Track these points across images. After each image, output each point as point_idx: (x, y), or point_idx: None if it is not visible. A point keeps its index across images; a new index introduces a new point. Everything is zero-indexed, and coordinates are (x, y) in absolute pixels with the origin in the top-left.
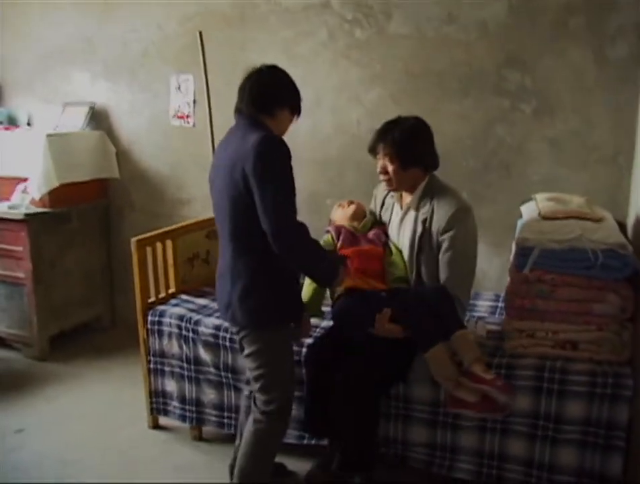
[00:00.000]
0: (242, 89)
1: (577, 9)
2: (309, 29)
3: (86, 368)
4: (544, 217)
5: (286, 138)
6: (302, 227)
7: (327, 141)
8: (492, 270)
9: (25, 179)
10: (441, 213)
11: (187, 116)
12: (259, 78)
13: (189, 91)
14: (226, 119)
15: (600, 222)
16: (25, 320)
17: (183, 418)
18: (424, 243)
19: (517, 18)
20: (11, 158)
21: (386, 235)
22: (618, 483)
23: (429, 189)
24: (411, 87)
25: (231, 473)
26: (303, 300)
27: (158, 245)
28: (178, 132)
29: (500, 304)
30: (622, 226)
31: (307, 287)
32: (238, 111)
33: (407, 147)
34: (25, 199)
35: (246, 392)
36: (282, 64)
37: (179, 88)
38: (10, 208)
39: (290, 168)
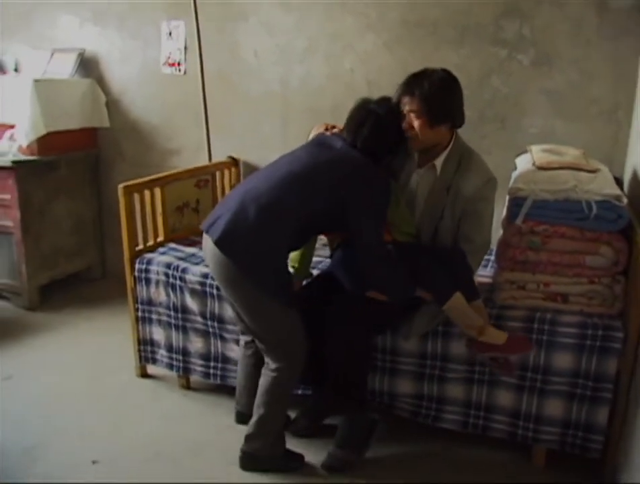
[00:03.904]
0: (358, 125)
1: None
2: None
3: (75, 317)
4: (539, 167)
5: (278, 85)
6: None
7: (320, 90)
8: None
9: (12, 126)
10: (469, 182)
11: (179, 64)
12: (379, 124)
13: (181, 37)
14: (218, 66)
15: (595, 173)
16: (14, 270)
17: (170, 367)
18: (446, 211)
19: None
20: None
21: None
22: (603, 434)
23: (455, 153)
24: (406, 36)
25: (239, 417)
26: (292, 264)
27: (147, 193)
28: (169, 80)
29: (492, 258)
30: (618, 182)
31: (295, 252)
32: (348, 143)
33: (437, 103)
34: (13, 147)
35: (242, 342)
36: (275, 11)
37: (170, 35)
38: None
39: None
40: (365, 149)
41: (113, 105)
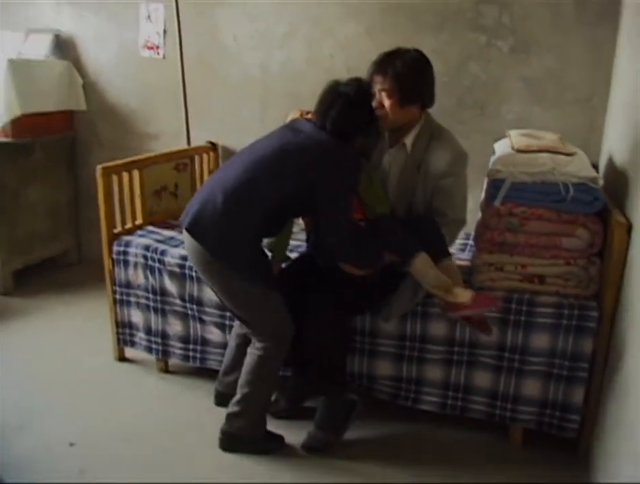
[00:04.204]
0: (327, 108)
1: None
2: None
3: (51, 302)
4: (517, 150)
5: (257, 70)
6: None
7: (299, 75)
8: None
9: None
10: (438, 158)
11: (157, 47)
12: (349, 105)
13: (160, 20)
14: (197, 50)
15: (572, 156)
16: None
17: (149, 349)
18: (418, 188)
19: None
20: None
21: None
22: (579, 414)
23: (425, 131)
24: (386, 22)
25: (218, 399)
26: (270, 248)
27: (125, 175)
28: (148, 64)
29: (470, 242)
30: (594, 167)
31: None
32: (317, 125)
33: (408, 82)
34: None
35: (237, 321)
36: None
37: (149, 17)
38: None
39: None
40: (334, 131)
41: (90, 87)
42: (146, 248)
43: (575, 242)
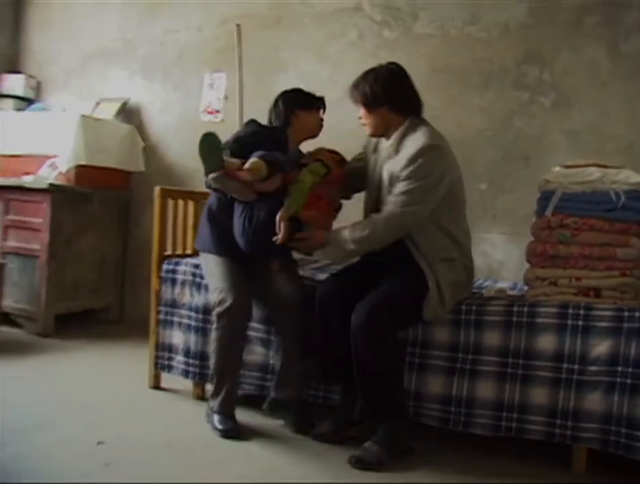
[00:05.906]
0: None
1: (592, 8)
2: (340, 31)
3: (89, 346)
4: (566, 166)
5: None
6: None
7: (351, 133)
8: (510, 260)
9: (54, 156)
10: (405, 151)
11: (217, 111)
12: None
13: (221, 88)
14: (254, 113)
15: (621, 169)
16: (33, 294)
17: (186, 373)
18: (392, 186)
19: (536, 18)
20: (43, 137)
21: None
22: None
23: (407, 132)
24: (434, 83)
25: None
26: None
27: (181, 203)
28: (207, 127)
29: (519, 286)
30: None
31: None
32: None
33: (366, 89)
34: (52, 174)
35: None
36: (312, 64)
37: (211, 85)
38: (35, 180)
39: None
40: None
41: (150, 150)
42: (195, 266)
43: (630, 252)
